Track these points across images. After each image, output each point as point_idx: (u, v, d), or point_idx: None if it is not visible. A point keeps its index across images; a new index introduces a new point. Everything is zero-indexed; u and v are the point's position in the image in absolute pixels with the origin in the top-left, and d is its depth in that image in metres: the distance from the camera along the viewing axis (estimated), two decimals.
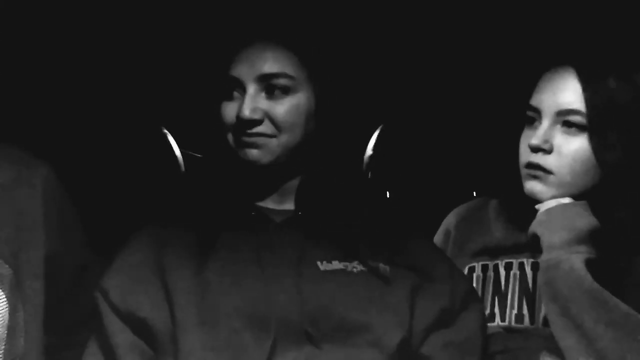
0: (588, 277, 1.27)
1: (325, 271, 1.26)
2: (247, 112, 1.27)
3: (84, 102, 1.82)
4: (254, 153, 1.29)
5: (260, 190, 1.35)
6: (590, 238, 1.31)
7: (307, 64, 1.31)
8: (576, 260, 1.28)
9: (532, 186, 1.37)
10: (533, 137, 1.36)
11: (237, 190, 1.34)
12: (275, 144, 1.29)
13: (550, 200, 1.35)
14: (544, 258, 1.32)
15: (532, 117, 1.39)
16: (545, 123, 1.36)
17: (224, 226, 1.31)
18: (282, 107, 1.29)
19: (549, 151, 1.35)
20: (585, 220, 1.31)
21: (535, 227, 1.34)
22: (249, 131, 1.28)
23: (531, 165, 1.36)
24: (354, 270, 1.28)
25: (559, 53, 1.41)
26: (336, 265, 1.27)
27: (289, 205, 1.35)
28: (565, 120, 1.35)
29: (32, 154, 1.26)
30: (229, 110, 1.30)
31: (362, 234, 1.33)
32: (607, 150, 1.33)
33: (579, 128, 1.34)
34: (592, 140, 1.33)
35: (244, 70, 1.29)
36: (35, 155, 1.26)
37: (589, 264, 1.28)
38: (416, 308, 1.28)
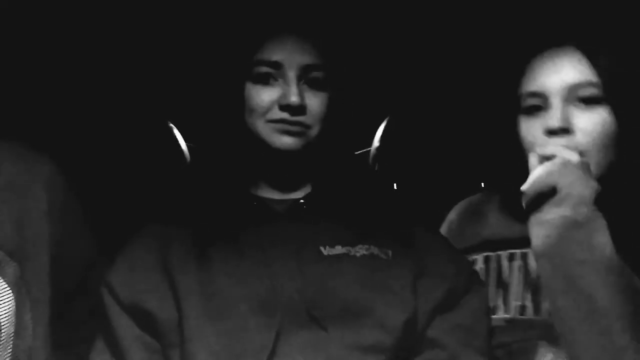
0: (611, 244, 1.17)
1: (329, 256, 1.27)
2: (296, 99, 1.27)
3: (88, 98, 1.82)
4: (288, 140, 1.29)
5: (264, 181, 1.35)
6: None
7: (335, 58, 1.33)
8: (604, 221, 1.18)
9: None
10: (549, 120, 1.29)
11: (239, 182, 1.35)
12: (309, 135, 1.30)
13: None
14: (566, 213, 1.18)
15: (533, 106, 1.32)
16: (557, 103, 1.29)
17: (227, 218, 1.31)
18: (320, 100, 1.30)
19: (570, 131, 1.28)
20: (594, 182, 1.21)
21: (551, 176, 1.20)
22: (291, 118, 1.28)
23: None
24: (357, 254, 1.28)
25: (548, 36, 1.36)
26: (339, 249, 1.28)
27: (291, 195, 1.35)
28: (579, 95, 1.29)
29: (36, 150, 1.26)
30: (267, 95, 1.29)
31: (366, 221, 1.33)
32: (631, 118, 1.27)
33: (595, 101, 1.28)
34: (615, 108, 1.27)
35: (286, 57, 1.28)
36: (39, 151, 1.26)
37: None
38: (420, 290, 1.28)
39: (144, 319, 1.25)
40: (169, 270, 1.26)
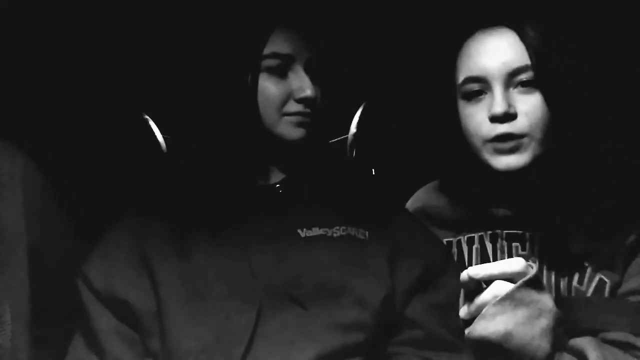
0: None
1: (306, 237, 1.29)
2: (312, 92, 1.30)
3: (64, 90, 1.80)
4: (300, 132, 1.31)
5: (247, 169, 1.35)
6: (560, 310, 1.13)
7: (333, 49, 1.38)
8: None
9: (505, 160, 1.29)
10: (493, 106, 1.29)
11: (218, 170, 1.35)
12: (313, 124, 1.33)
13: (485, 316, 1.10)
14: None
15: (474, 91, 1.32)
16: (499, 88, 1.29)
17: (205, 205, 1.32)
18: (323, 91, 1.34)
19: (514, 116, 1.28)
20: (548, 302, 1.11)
21: (506, 326, 1.08)
22: (305, 110, 1.31)
23: (501, 138, 1.28)
24: (334, 235, 1.30)
25: (479, 16, 1.35)
26: (316, 231, 1.30)
27: (269, 180, 1.36)
28: (519, 79, 1.29)
29: (10, 143, 1.25)
30: (281, 87, 1.31)
31: (343, 205, 1.35)
32: (562, 102, 1.28)
33: (532, 84, 1.29)
34: (546, 92, 1.28)
35: (296, 50, 1.31)
36: (14, 144, 1.25)
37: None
38: (396, 270, 1.29)
39: (121, 310, 1.25)
40: (146, 259, 1.26)
